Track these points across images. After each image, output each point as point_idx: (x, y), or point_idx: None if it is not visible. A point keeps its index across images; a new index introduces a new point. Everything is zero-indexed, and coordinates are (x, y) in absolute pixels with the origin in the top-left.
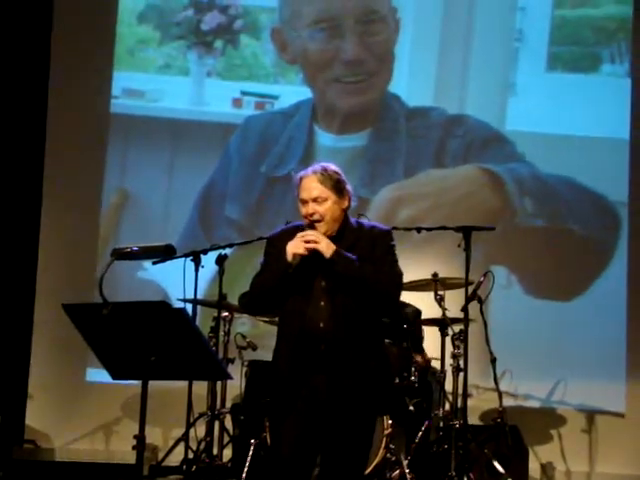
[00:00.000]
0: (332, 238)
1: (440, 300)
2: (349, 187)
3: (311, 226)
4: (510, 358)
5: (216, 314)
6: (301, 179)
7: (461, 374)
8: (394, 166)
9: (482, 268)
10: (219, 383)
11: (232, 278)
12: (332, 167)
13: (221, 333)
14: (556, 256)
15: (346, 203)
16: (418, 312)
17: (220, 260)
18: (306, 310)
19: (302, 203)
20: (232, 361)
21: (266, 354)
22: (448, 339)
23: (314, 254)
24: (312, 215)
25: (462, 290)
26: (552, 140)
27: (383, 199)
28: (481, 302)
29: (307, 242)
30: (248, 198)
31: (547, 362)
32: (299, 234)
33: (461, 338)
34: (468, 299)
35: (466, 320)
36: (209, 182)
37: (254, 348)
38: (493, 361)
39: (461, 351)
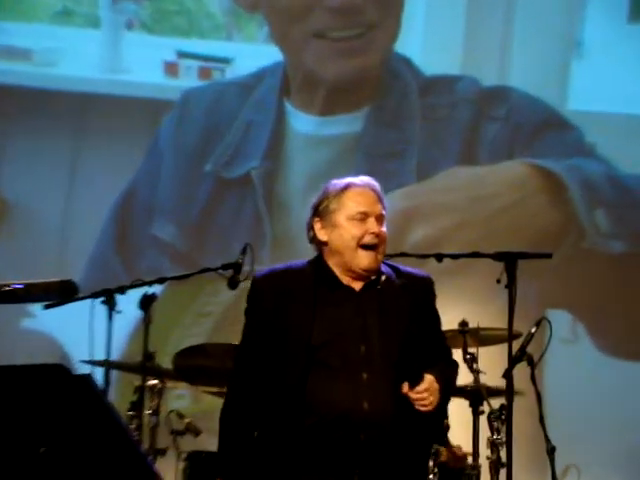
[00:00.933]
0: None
1: (471, 361)
2: None
3: (370, 247)
4: (576, 447)
5: (140, 382)
6: (349, 188)
7: (503, 471)
8: (403, 162)
9: (534, 314)
10: None
11: (164, 329)
12: None
13: (147, 411)
14: None
15: None
16: None
17: (146, 302)
18: (340, 388)
19: (354, 219)
20: (163, 452)
21: (213, 441)
22: (483, 419)
23: (342, 293)
24: (379, 235)
25: (504, 346)
26: (637, 125)
27: (388, 211)
28: (532, 364)
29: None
30: (187, 210)
31: (632, 453)
32: (422, 391)
33: (503, 417)
34: (513, 360)
35: (510, 391)
36: (130, 187)
37: (197, 433)
38: (551, 452)
39: (503, 437)
